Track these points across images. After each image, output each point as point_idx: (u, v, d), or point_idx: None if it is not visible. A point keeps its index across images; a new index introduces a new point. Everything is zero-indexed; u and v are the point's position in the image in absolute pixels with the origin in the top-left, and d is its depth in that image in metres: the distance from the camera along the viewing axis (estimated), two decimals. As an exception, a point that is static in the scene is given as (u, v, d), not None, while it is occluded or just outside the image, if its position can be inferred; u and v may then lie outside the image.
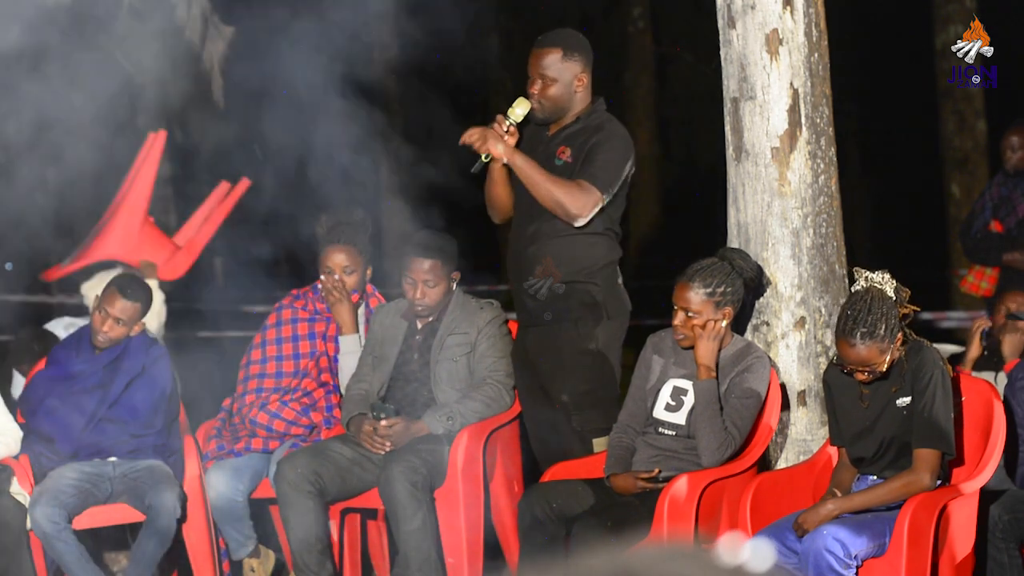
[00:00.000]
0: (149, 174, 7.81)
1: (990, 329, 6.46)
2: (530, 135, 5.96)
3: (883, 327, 4.96)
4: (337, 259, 6.39)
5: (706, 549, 1.91)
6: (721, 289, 5.34)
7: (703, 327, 5.34)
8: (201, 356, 7.27)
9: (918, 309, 5.12)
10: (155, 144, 7.86)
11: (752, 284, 5.49)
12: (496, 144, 5.79)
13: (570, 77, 5.86)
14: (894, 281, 5.06)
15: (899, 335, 5.02)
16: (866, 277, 5.06)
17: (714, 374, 5.34)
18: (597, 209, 5.77)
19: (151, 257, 7.95)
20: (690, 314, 5.35)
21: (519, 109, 5.87)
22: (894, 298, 5.02)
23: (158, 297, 7.38)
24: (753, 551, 1.91)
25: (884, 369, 5.03)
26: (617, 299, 5.86)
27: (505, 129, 5.85)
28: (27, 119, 7.11)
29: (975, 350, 6.37)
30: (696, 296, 5.34)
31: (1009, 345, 6.28)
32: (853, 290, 5.11)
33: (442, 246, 6.11)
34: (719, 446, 5.28)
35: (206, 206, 7.99)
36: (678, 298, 5.38)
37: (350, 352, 6.37)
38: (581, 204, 5.74)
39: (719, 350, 5.38)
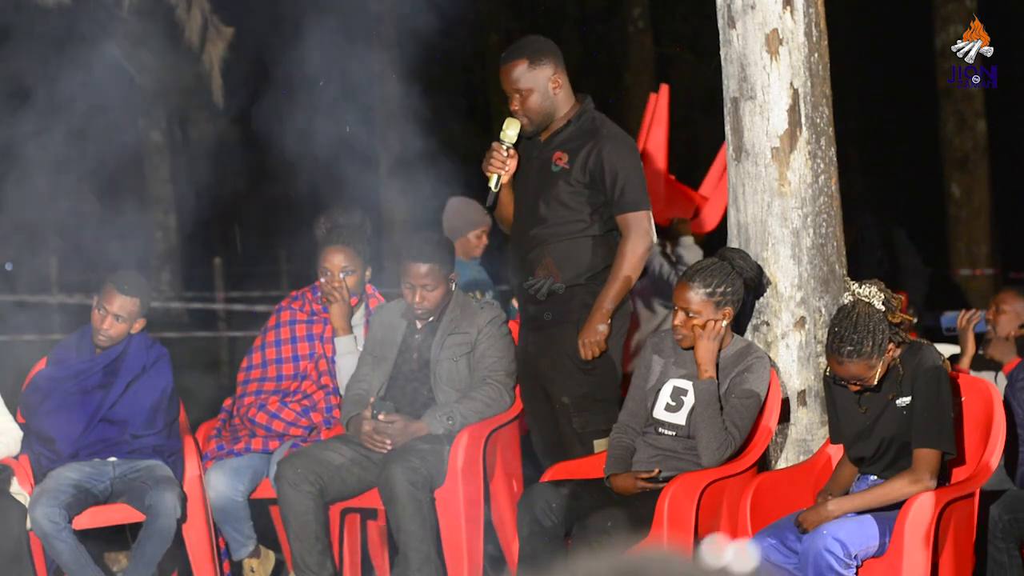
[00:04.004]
0: (660, 132, 7.74)
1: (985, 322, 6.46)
2: (523, 144, 5.95)
3: (869, 343, 4.95)
4: (335, 260, 6.38)
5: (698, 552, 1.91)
6: (721, 289, 5.34)
7: (703, 327, 5.34)
8: None
9: (912, 319, 5.10)
10: (660, 100, 7.85)
11: (752, 284, 5.49)
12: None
13: (544, 82, 5.84)
14: (883, 293, 5.04)
15: (890, 346, 5.01)
16: (853, 291, 5.04)
17: (714, 374, 5.33)
18: (652, 220, 5.80)
19: (680, 213, 7.95)
20: (690, 314, 5.34)
21: (511, 131, 5.87)
22: (883, 310, 5.01)
23: None
24: (736, 553, 1.90)
25: (875, 382, 5.03)
26: (617, 300, 5.86)
27: (505, 154, 5.86)
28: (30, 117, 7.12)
29: (971, 346, 6.37)
30: (696, 296, 5.34)
31: (996, 352, 6.28)
32: (841, 304, 5.10)
33: (439, 249, 6.10)
34: (719, 446, 5.28)
35: (718, 164, 7.91)
36: (678, 298, 5.37)
37: (346, 353, 6.37)
38: (644, 234, 5.75)
39: (719, 350, 5.38)
